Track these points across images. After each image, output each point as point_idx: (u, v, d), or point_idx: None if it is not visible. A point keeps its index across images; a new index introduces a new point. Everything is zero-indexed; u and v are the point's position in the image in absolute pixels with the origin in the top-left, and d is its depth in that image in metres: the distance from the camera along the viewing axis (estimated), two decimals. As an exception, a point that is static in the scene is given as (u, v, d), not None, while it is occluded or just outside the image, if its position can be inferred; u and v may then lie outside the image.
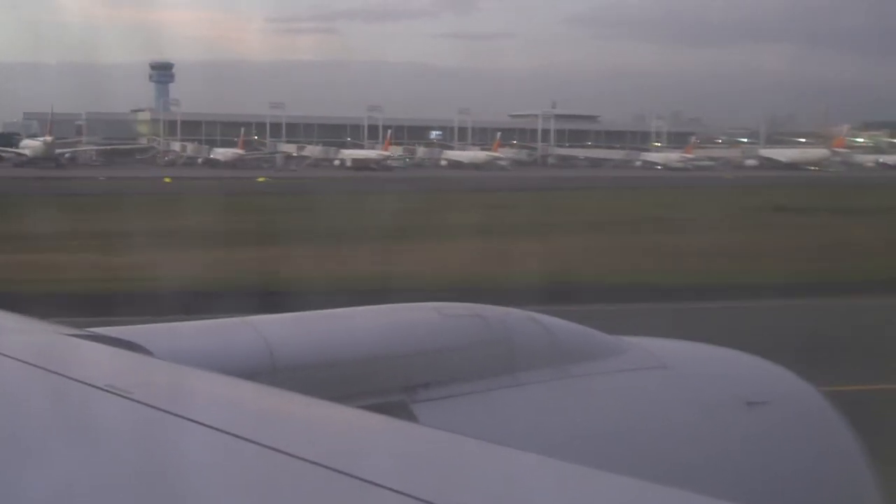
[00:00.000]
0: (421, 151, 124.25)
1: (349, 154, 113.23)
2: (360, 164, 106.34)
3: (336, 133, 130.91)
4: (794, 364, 4.13)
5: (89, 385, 2.41)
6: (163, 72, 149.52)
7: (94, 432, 2.16)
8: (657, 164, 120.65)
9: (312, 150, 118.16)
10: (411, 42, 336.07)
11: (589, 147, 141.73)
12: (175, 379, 2.75)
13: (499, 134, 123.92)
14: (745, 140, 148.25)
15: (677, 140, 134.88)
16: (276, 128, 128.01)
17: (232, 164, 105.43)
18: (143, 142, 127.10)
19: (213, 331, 3.42)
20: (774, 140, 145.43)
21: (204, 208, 46.18)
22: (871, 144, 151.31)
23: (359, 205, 51.37)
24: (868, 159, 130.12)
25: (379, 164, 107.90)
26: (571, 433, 3.28)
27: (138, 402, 2.25)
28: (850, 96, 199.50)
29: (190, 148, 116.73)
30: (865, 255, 31.63)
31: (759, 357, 4.15)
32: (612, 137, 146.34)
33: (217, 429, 2.04)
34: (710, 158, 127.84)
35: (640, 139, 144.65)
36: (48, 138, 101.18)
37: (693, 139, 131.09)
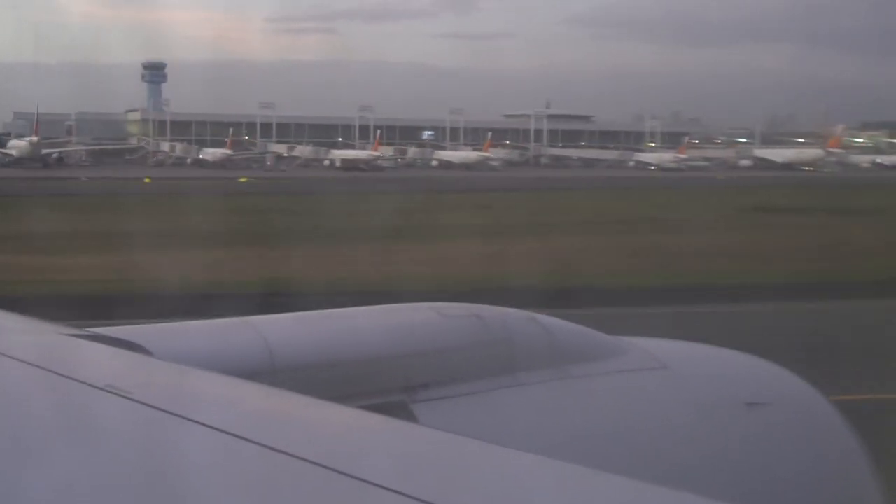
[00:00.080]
0: (412, 151, 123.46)
1: (338, 154, 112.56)
2: (348, 165, 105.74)
3: (328, 133, 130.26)
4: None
5: (89, 385, 2.41)
6: (155, 72, 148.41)
7: (94, 432, 2.17)
8: (650, 164, 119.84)
9: (302, 151, 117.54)
10: (411, 42, 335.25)
11: (582, 147, 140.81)
12: (175, 379, 2.76)
13: (489, 134, 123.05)
14: (744, 140, 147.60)
15: (672, 140, 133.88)
16: (268, 128, 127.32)
17: (221, 164, 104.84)
18: (134, 142, 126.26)
19: (213, 331, 3.41)
20: (774, 140, 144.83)
21: (174, 209, 45.63)
22: (870, 145, 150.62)
23: (335, 205, 50.77)
24: (864, 159, 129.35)
25: (368, 165, 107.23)
26: (571, 434, 3.26)
27: (138, 402, 2.25)
28: (850, 96, 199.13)
29: (179, 148, 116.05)
30: (840, 257, 30.87)
31: (759, 358, 4.11)
32: (607, 137, 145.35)
33: (217, 429, 2.04)
34: (705, 159, 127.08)
35: (635, 139, 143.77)
36: (34, 138, 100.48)
37: (686, 139, 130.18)
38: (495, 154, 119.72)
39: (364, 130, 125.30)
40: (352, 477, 1.75)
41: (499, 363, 3.45)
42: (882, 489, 3.74)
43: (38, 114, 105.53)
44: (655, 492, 1.89)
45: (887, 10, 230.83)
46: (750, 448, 3.54)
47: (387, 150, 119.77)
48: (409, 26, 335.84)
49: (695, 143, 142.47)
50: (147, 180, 72.99)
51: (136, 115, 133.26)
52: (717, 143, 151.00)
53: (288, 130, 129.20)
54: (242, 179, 78.53)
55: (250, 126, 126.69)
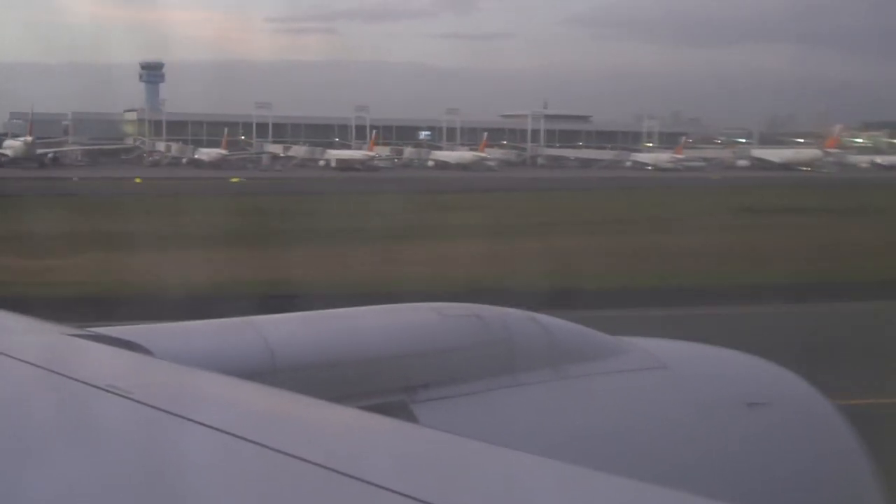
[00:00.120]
0: (408, 152, 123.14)
1: (334, 154, 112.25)
2: (344, 165, 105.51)
3: (325, 133, 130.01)
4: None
5: (90, 385, 2.41)
6: (153, 72, 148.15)
7: (95, 432, 2.17)
8: (647, 164, 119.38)
9: (298, 151, 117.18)
10: (411, 42, 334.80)
11: (580, 147, 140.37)
12: (175, 379, 2.75)
13: (485, 134, 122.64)
14: (743, 140, 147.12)
15: (670, 140, 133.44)
16: (265, 128, 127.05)
17: (216, 164, 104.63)
18: (130, 142, 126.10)
19: (214, 331, 3.41)
20: (774, 140, 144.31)
21: (158, 209, 45.54)
22: (869, 145, 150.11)
23: (321, 206, 50.61)
24: (862, 160, 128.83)
25: (364, 165, 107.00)
26: (571, 434, 3.26)
27: (139, 402, 2.25)
28: (850, 96, 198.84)
29: (175, 148, 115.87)
30: (820, 257, 30.59)
31: (759, 358, 4.10)
32: (604, 138, 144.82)
33: (217, 429, 2.04)
34: (703, 159, 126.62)
35: (632, 139, 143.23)
36: (28, 138, 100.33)
37: (683, 139, 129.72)
38: (492, 154, 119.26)
39: (360, 130, 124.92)
40: (352, 477, 1.75)
41: (499, 363, 3.45)
42: (882, 489, 3.72)
43: (32, 114, 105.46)
44: (656, 492, 1.88)
45: (887, 10, 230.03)
46: (750, 448, 3.54)
47: (383, 151, 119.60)
48: (409, 26, 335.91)
49: (692, 144, 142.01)
50: (138, 180, 72.92)
51: (133, 115, 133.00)
52: (717, 144, 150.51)
53: (285, 130, 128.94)
54: (234, 180, 78.41)
55: (248, 126, 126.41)
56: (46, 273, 25.81)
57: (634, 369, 3.68)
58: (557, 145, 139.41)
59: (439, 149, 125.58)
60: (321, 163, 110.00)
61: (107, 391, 2.33)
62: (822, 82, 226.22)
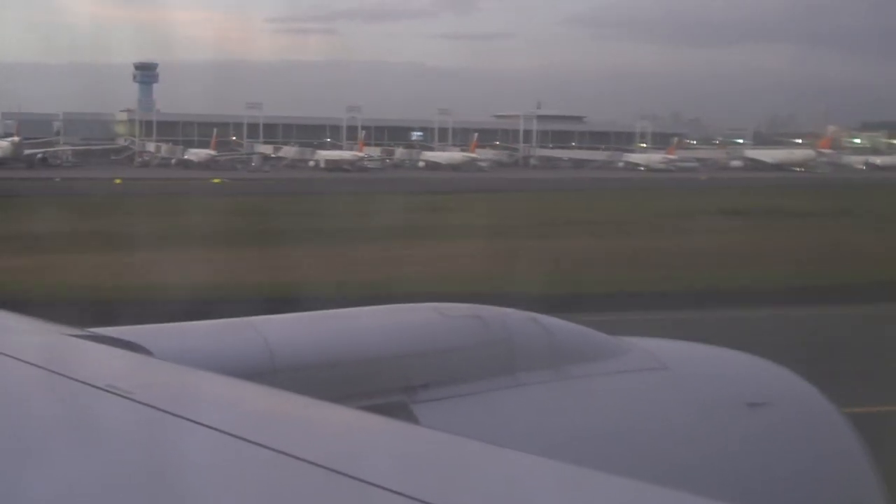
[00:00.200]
0: (399, 152, 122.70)
1: (323, 155, 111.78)
2: (332, 166, 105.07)
3: (317, 134, 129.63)
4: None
5: (90, 385, 2.40)
6: (146, 72, 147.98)
7: (95, 433, 2.18)
8: (640, 165, 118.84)
9: (288, 151, 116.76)
10: (411, 42, 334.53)
11: (573, 148, 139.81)
12: (175, 379, 2.75)
13: (475, 135, 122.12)
14: (741, 141, 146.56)
15: (664, 141, 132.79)
16: (260, 128, 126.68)
17: (205, 165, 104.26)
18: (121, 142, 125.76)
19: (214, 331, 3.41)
20: (773, 141, 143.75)
21: (124, 210, 45.22)
22: (867, 145, 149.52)
23: (296, 206, 50.26)
24: (857, 160, 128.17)
25: (353, 166, 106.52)
26: (571, 434, 3.25)
27: (139, 402, 2.25)
28: (850, 96, 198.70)
29: (164, 149, 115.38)
30: (788, 262, 30.08)
31: (760, 358, 4.08)
32: (598, 138, 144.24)
33: (217, 429, 2.05)
34: (697, 159, 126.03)
35: (626, 140, 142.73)
36: (16, 139, 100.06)
37: (675, 140, 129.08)
38: (483, 155, 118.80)
39: (352, 131, 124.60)
40: (352, 478, 1.76)
41: (499, 363, 3.43)
42: (883, 488, 3.70)
43: (20, 113, 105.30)
44: (656, 492, 1.88)
45: (887, 10, 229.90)
46: (751, 448, 3.53)
47: (374, 151, 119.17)
48: (409, 26, 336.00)
49: (687, 144, 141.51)
50: (117, 181, 72.57)
51: (123, 116, 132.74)
52: (716, 144, 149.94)
53: (277, 131, 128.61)
54: (215, 181, 78.00)
55: (241, 127, 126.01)
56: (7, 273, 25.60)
57: (635, 370, 3.66)
58: (550, 146, 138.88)
59: (431, 149, 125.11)
60: (311, 163, 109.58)
61: (107, 391, 2.32)
62: (822, 82, 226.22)
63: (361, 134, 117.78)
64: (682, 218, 45.23)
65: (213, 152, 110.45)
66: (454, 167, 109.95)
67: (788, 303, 22.75)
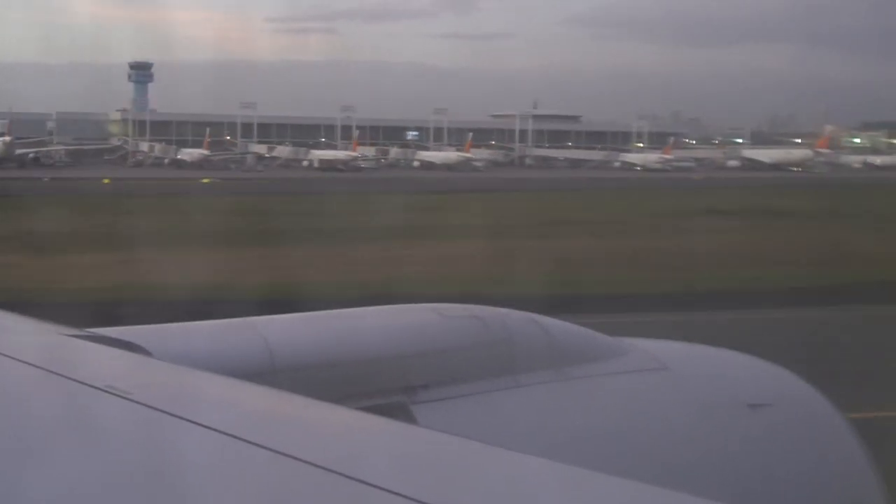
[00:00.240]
0: (394, 152, 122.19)
1: (317, 155, 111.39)
2: (326, 165, 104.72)
3: (312, 133, 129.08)
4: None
5: (88, 386, 2.40)
6: (141, 72, 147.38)
7: (94, 433, 2.18)
8: (636, 164, 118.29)
9: (282, 151, 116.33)
10: (411, 42, 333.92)
11: (569, 148, 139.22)
12: (174, 380, 2.74)
13: (470, 134, 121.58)
14: (740, 140, 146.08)
15: (662, 141, 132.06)
16: (255, 128, 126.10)
17: (198, 164, 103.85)
18: (115, 142, 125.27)
19: (213, 331, 3.39)
20: (773, 140, 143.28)
21: (105, 210, 44.82)
22: (867, 145, 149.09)
23: (281, 206, 49.86)
24: (855, 160, 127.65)
25: (347, 166, 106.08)
26: (571, 435, 3.24)
27: (137, 402, 2.25)
28: (850, 96, 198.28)
29: (157, 148, 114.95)
30: (766, 263, 29.59)
31: (760, 359, 4.05)
32: (595, 138, 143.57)
33: (216, 430, 2.05)
34: (695, 159, 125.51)
35: (622, 139, 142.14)
36: (6, 138, 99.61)
37: (672, 140, 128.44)
38: (479, 155, 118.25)
39: (348, 131, 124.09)
40: (351, 478, 1.75)
41: (499, 364, 3.42)
42: (883, 489, 3.67)
43: (13, 113, 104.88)
44: (656, 493, 1.88)
45: (887, 10, 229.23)
46: (751, 449, 3.52)
47: (369, 151, 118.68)
48: (409, 26, 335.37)
49: (685, 144, 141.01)
50: (105, 181, 72.11)
51: (116, 115, 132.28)
52: (716, 144, 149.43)
53: (272, 131, 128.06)
54: (204, 180, 77.52)
55: (239, 126, 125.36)
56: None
57: (635, 370, 3.65)
58: (547, 145, 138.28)
59: (426, 149, 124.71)
60: (304, 163, 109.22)
61: (105, 392, 2.31)
62: (822, 82, 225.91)
63: (355, 133, 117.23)
64: (667, 218, 44.81)
65: (205, 152, 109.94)
66: (449, 167, 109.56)
67: (760, 305, 22.26)
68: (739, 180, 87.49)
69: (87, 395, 2.37)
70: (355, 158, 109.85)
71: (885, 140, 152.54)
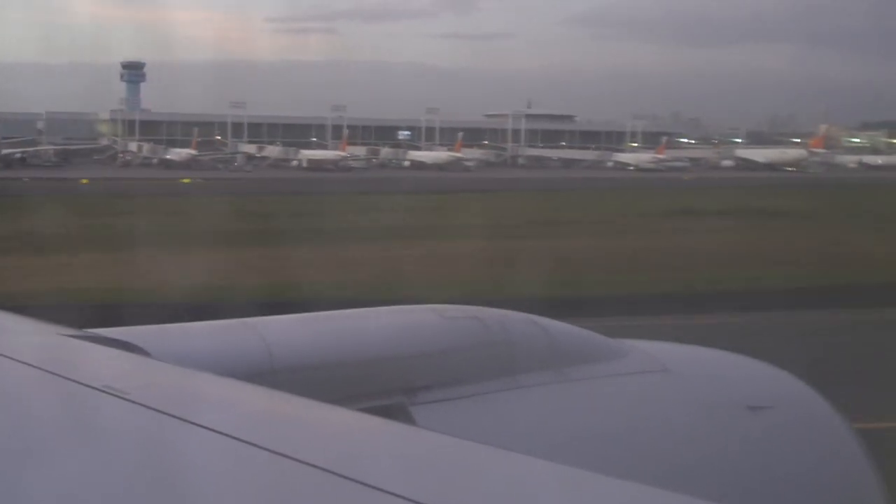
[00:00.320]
0: (385, 152, 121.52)
1: (306, 155, 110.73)
2: (315, 165, 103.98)
3: (304, 133, 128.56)
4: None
5: (87, 386, 2.41)
6: (133, 71, 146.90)
7: (92, 433, 2.19)
8: (629, 164, 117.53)
9: (272, 151, 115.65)
10: (411, 42, 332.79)
11: (562, 147, 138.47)
12: (173, 380, 2.75)
13: (460, 134, 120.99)
14: (739, 140, 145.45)
15: (657, 141, 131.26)
16: (246, 128, 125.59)
17: (186, 164, 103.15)
18: (104, 142, 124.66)
19: (212, 332, 3.37)
20: (772, 140, 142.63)
21: (72, 210, 44.27)
22: (866, 145, 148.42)
23: (254, 206, 49.33)
24: (851, 160, 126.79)
25: (336, 165, 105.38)
26: (572, 436, 3.24)
27: (136, 403, 2.26)
28: (850, 96, 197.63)
29: (146, 148, 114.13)
30: (732, 265, 28.84)
31: (760, 361, 4.04)
32: (589, 137, 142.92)
33: (215, 431, 2.05)
34: (688, 159, 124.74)
35: (616, 139, 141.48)
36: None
37: (665, 139, 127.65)
38: (471, 154, 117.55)
39: (339, 130, 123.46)
40: (351, 480, 1.75)
41: (499, 365, 3.41)
42: (884, 491, 3.64)
43: (2, 113, 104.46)
44: (656, 495, 1.89)
45: (887, 10, 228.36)
46: (752, 451, 3.50)
47: (360, 151, 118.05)
48: (409, 26, 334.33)
49: (680, 144, 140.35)
50: (84, 181, 71.44)
51: (105, 115, 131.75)
52: (714, 143, 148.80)
53: (264, 130, 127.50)
54: (185, 180, 76.75)
55: (234, 126, 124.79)
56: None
57: (635, 372, 3.63)
58: (541, 145, 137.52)
59: (418, 149, 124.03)
60: (294, 163, 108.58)
61: (103, 392, 2.31)
62: (822, 82, 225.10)
63: (345, 133, 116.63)
64: (640, 218, 44.31)
65: (193, 152, 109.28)
66: (440, 167, 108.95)
67: (721, 308, 21.58)
68: (729, 180, 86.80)
69: (86, 395, 2.36)
70: (344, 158, 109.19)
71: (884, 140, 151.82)
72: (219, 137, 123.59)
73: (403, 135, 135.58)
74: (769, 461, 3.49)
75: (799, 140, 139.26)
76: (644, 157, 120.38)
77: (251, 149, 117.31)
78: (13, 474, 1.91)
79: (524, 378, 3.42)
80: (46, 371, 2.62)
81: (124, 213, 43.51)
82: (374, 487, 1.70)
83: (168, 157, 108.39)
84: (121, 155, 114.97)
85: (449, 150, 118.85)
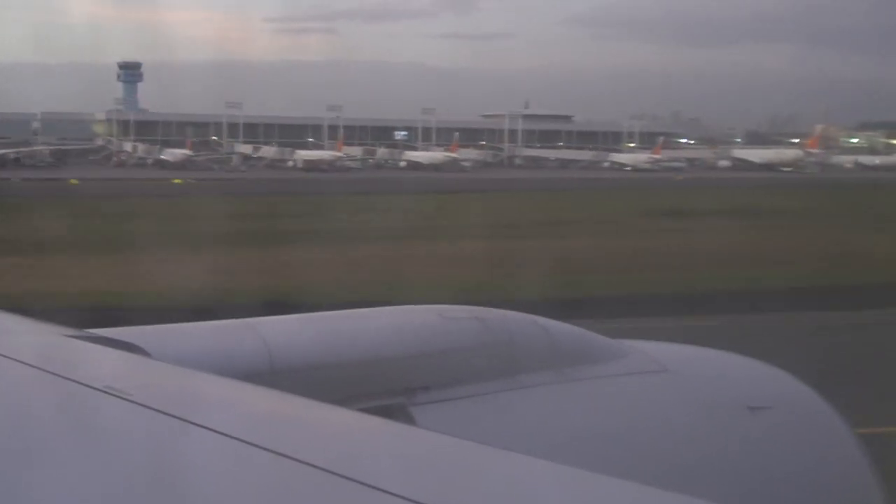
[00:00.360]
0: (381, 152, 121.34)
1: (301, 155, 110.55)
2: (310, 166, 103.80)
3: (300, 133, 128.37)
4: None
5: (87, 386, 2.40)
6: (130, 71, 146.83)
7: (93, 434, 2.19)
8: (626, 165, 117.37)
9: (268, 151, 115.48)
10: (411, 42, 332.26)
11: (559, 148, 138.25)
12: (173, 381, 2.75)
13: (456, 134, 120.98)
14: (739, 140, 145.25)
15: (654, 141, 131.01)
16: (244, 128, 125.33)
17: (181, 165, 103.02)
18: (99, 142, 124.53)
19: (212, 332, 3.38)
20: (773, 140, 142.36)
21: (53, 212, 44.12)
22: (865, 145, 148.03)
23: (241, 208, 49.11)
24: (847, 160, 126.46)
25: (331, 166, 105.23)
26: (572, 437, 3.26)
27: (136, 403, 2.26)
28: (850, 96, 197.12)
29: (141, 148, 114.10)
30: (707, 267, 28.54)
31: (760, 361, 4.06)
32: (586, 138, 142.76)
33: (215, 431, 2.05)
34: (685, 159, 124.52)
35: (614, 139, 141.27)
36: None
37: (661, 139, 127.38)
38: (467, 155, 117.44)
39: (336, 131, 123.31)
40: (352, 480, 1.75)
41: (500, 365, 3.41)
42: (884, 492, 3.63)
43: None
44: (657, 495, 1.89)
45: (887, 10, 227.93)
46: (751, 451, 3.51)
47: (356, 151, 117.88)
48: (409, 26, 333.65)
49: (677, 144, 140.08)
50: (73, 182, 71.28)
51: (101, 115, 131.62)
52: (714, 143, 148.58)
53: (260, 131, 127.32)
54: (176, 181, 76.62)
55: (230, 126, 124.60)
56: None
57: (635, 372, 3.64)
58: (538, 145, 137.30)
59: (414, 149, 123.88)
60: (289, 163, 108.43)
61: (104, 392, 2.31)
62: (822, 82, 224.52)
63: (340, 133, 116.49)
64: (623, 218, 44.05)
65: (188, 152, 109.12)
66: (436, 167, 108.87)
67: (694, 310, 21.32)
68: (723, 181, 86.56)
69: (86, 395, 2.35)
70: (340, 159, 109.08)
71: (882, 140, 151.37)
72: (214, 138, 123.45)
73: (400, 135, 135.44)
74: (769, 462, 3.49)
75: (798, 140, 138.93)
76: (640, 158, 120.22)
77: (247, 149, 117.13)
78: (14, 475, 1.91)
79: (524, 378, 3.41)
80: (47, 371, 2.62)
81: (107, 214, 43.31)
82: (374, 487, 1.70)
83: (163, 157, 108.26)
84: (116, 155, 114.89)
85: (445, 150, 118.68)
